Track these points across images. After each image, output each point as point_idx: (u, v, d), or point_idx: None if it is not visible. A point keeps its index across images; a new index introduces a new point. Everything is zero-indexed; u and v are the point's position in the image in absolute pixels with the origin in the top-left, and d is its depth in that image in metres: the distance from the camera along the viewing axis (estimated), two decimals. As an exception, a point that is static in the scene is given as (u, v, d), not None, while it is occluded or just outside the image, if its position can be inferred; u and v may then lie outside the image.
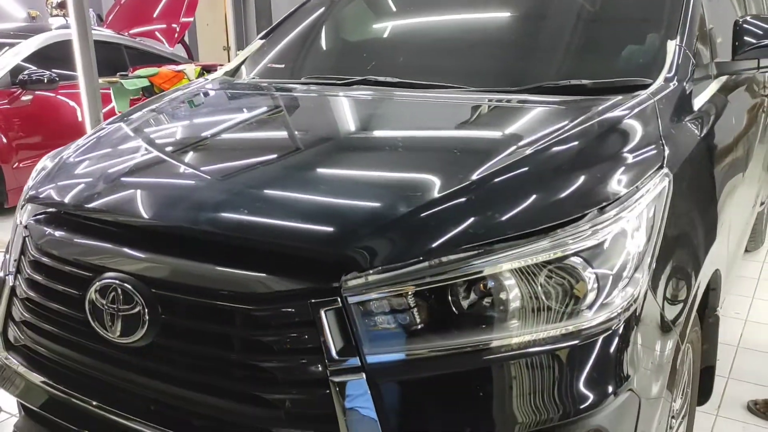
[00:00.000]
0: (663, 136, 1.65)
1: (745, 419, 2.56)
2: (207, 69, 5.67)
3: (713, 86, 2.13)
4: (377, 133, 1.86)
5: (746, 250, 4.20)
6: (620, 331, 1.32)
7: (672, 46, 1.95)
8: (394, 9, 2.78)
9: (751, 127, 2.71)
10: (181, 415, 1.45)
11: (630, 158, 1.54)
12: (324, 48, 2.71)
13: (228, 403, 1.36)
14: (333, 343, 1.27)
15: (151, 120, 2.14)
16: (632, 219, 1.41)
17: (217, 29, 9.96)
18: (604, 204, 1.39)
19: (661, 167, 1.55)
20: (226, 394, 1.37)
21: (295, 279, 1.30)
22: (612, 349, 1.32)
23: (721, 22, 2.22)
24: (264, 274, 1.32)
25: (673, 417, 1.91)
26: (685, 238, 1.61)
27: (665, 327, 1.47)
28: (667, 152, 1.60)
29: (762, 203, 3.88)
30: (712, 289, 2.03)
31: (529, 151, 1.51)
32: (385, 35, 2.72)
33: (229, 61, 5.93)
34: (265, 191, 1.53)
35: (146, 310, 1.39)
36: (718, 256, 1.91)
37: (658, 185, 1.51)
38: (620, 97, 1.77)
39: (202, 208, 1.47)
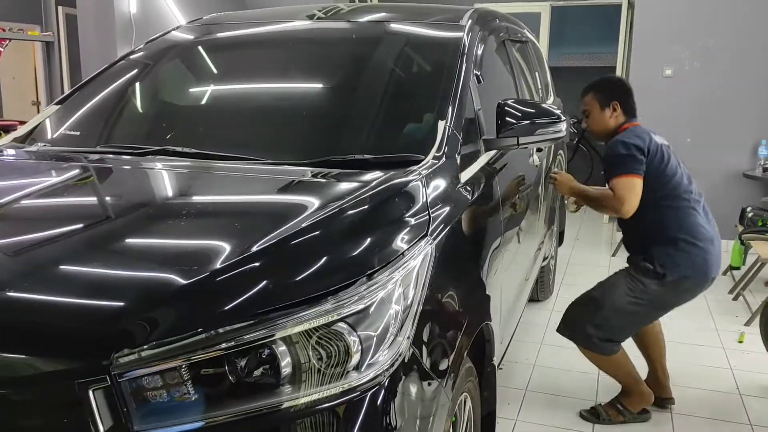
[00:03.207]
0: (429, 206, 1.84)
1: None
2: (4, 128, 5.31)
3: (482, 159, 2.41)
4: (164, 207, 1.87)
5: (537, 300, 4.67)
6: (385, 387, 1.45)
7: (442, 125, 2.20)
8: (195, 80, 2.84)
9: (524, 190, 3.06)
10: None
11: (397, 228, 1.71)
12: (123, 115, 2.69)
13: None
14: (101, 422, 1.27)
15: None
16: (397, 284, 1.56)
17: (25, 82, 9.33)
18: (371, 271, 1.53)
19: (425, 235, 1.73)
20: None
21: (61, 358, 1.29)
22: (379, 404, 1.43)
23: (492, 103, 2.52)
24: (26, 356, 1.29)
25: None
26: (448, 298, 1.79)
27: (431, 380, 1.62)
28: (432, 221, 1.79)
29: (546, 258, 4.35)
30: (487, 340, 2.26)
31: (305, 224, 1.61)
32: (186, 104, 2.77)
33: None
34: (38, 268, 1.49)
35: None
36: (487, 311, 2.14)
37: (422, 251, 1.68)
38: (394, 172, 1.95)
39: None
